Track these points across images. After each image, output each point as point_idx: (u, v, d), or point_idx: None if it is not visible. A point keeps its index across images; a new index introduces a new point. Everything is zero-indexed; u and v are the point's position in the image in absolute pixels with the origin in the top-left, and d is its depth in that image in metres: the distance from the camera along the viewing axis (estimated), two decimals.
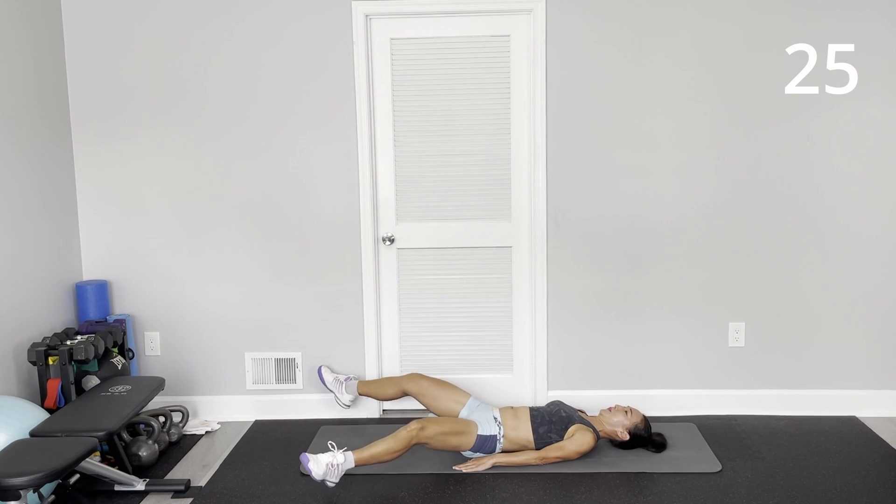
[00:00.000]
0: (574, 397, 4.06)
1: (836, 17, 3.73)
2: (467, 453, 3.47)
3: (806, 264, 3.93)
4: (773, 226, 3.90)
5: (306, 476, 3.37)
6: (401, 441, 3.23)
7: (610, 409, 3.58)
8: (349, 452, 3.17)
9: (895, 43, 3.74)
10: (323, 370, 3.95)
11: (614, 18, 3.78)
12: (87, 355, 3.43)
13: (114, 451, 3.38)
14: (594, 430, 3.48)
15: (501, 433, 3.46)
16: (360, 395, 3.89)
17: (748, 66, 3.79)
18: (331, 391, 3.92)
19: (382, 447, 3.21)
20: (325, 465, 3.10)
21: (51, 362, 3.42)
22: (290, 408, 4.10)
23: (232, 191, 3.95)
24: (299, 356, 4.08)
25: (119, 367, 3.74)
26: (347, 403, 3.91)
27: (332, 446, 3.23)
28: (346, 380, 3.91)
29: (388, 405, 4.15)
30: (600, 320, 4.01)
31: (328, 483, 3.15)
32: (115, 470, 3.21)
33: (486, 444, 3.44)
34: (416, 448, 3.60)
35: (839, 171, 3.85)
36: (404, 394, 3.79)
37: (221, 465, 3.52)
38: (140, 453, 3.46)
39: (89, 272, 4.02)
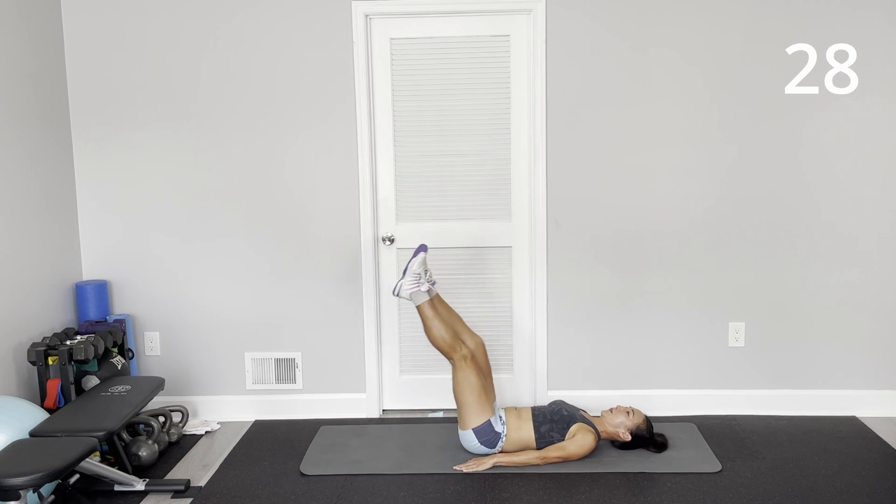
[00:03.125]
0: (574, 397, 4.06)
1: (837, 17, 3.73)
2: (469, 443, 3.46)
3: (806, 264, 3.92)
4: (773, 226, 3.90)
5: (306, 476, 3.37)
6: (447, 339, 3.49)
7: (612, 409, 3.57)
8: (427, 296, 3.52)
9: None
10: (416, 259, 3.53)
11: (615, 19, 3.77)
12: (87, 355, 3.43)
13: (114, 451, 3.38)
14: (595, 430, 3.47)
15: (504, 433, 3.46)
16: (423, 304, 3.49)
17: (748, 66, 3.78)
18: (403, 274, 3.53)
19: (438, 325, 3.49)
20: (416, 273, 3.51)
21: (51, 362, 3.42)
22: (290, 408, 4.10)
23: (232, 190, 3.95)
24: (299, 356, 4.07)
25: (119, 367, 3.74)
26: (399, 294, 3.52)
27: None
28: (426, 287, 3.52)
29: (388, 405, 4.16)
30: (600, 320, 4.01)
31: (409, 281, 3.51)
32: (114, 470, 3.21)
33: (489, 437, 3.43)
34: (415, 448, 3.60)
35: (838, 171, 3.85)
36: (456, 340, 3.49)
37: (221, 465, 3.52)
38: (140, 453, 3.46)
39: (89, 272, 4.02)
